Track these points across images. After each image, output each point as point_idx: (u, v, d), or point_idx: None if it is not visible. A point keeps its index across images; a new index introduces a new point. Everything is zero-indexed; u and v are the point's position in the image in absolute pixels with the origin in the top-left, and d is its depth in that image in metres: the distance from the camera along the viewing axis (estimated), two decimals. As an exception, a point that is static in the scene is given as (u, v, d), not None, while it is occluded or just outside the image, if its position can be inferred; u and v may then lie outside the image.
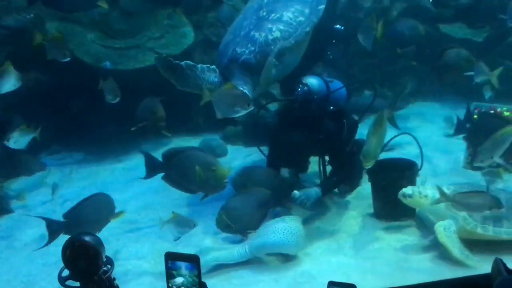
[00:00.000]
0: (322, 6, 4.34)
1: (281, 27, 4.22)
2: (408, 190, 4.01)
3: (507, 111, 5.21)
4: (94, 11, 5.92)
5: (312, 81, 4.28)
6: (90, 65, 5.55)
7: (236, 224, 3.97)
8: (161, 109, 4.64)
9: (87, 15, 5.97)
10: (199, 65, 4.26)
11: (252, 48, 4.19)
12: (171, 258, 2.48)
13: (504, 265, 2.83)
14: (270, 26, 4.23)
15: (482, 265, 3.53)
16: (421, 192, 3.95)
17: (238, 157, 5.78)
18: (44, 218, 3.88)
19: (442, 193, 3.77)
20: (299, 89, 4.18)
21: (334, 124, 4.37)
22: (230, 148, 5.99)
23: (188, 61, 4.25)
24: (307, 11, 4.31)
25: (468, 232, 3.82)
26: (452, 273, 3.50)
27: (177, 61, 4.19)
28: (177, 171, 3.99)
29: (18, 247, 4.35)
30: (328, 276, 3.55)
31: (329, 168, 4.67)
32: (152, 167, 4.09)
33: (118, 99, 4.79)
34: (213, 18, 6.35)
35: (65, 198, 5.07)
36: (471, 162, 5.20)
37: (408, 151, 5.35)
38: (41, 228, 4.48)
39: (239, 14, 4.85)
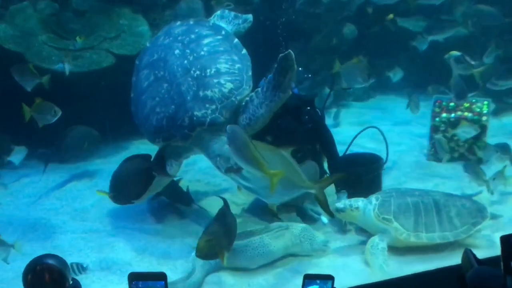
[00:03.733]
0: (245, 51, 4.24)
1: (228, 78, 4.06)
2: (340, 204, 4.01)
3: (466, 102, 5.32)
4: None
5: None
6: (42, 68, 5.28)
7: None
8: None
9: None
10: None
11: (213, 107, 3.93)
12: (136, 279, 2.30)
13: (474, 256, 2.85)
14: (216, 80, 4.03)
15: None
16: (352, 205, 3.94)
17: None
18: None
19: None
20: None
21: (313, 112, 4.44)
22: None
23: None
24: (235, 57, 4.19)
25: (402, 241, 3.86)
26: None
27: None
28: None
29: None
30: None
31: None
32: None
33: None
34: (170, 16, 6.20)
35: (20, 208, 4.82)
36: (435, 154, 5.32)
37: (371, 146, 5.37)
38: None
39: (152, 86, 4.26)
